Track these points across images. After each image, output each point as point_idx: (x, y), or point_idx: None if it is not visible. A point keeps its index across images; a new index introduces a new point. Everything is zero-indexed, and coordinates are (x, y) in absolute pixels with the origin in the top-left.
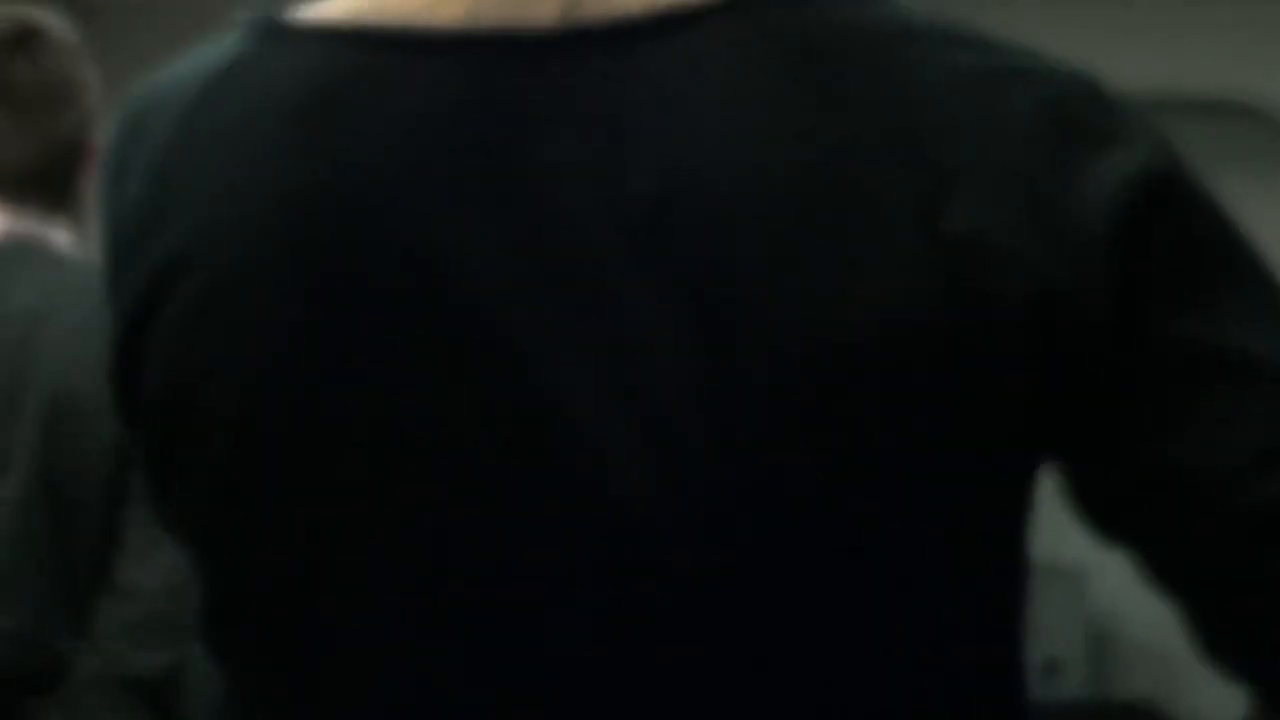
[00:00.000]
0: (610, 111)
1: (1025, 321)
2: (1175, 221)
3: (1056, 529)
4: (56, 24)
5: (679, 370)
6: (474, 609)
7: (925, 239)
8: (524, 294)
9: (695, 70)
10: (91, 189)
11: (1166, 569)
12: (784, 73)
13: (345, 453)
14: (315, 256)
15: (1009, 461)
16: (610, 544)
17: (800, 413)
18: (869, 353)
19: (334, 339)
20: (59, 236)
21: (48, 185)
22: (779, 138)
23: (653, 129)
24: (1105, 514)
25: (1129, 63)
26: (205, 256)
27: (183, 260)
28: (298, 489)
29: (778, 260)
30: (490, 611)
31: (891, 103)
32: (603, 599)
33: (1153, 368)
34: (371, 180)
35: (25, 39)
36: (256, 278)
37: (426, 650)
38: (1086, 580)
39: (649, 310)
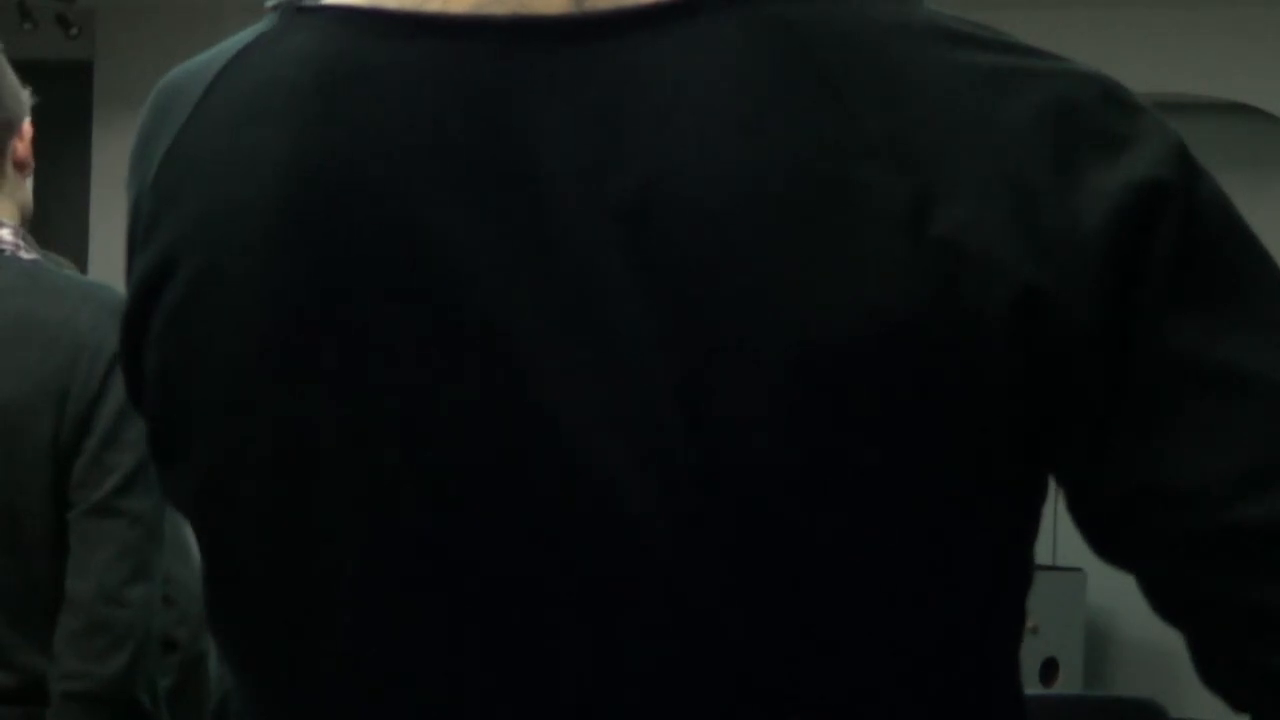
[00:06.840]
0: (607, 100)
1: (1010, 327)
2: (1177, 230)
3: (1056, 529)
4: None
5: (662, 368)
6: (458, 603)
7: (912, 243)
8: (513, 285)
9: (695, 61)
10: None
11: (1156, 591)
12: (784, 67)
13: (328, 443)
14: (306, 245)
15: (1000, 467)
16: (595, 546)
17: (784, 416)
18: (853, 355)
19: (319, 326)
20: (3, 231)
21: None
22: (771, 134)
23: (647, 119)
24: (1097, 532)
25: (1129, 65)
26: (200, 246)
27: (183, 248)
28: (283, 480)
29: (761, 259)
30: (476, 610)
31: (890, 102)
32: (589, 604)
33: (1141, 380)
34: (368, 166)
35: None
36: (246, 269)
37: (412, 647)
38: (1086, 580)
39: (633, 306)
